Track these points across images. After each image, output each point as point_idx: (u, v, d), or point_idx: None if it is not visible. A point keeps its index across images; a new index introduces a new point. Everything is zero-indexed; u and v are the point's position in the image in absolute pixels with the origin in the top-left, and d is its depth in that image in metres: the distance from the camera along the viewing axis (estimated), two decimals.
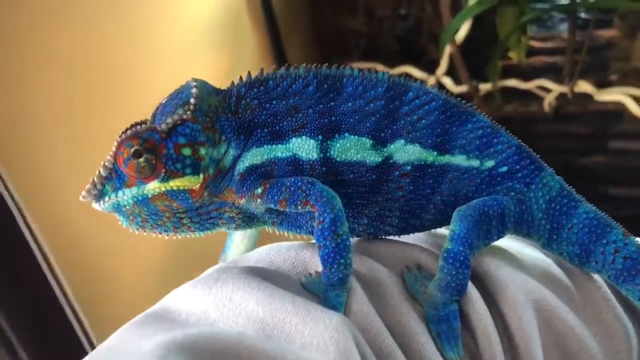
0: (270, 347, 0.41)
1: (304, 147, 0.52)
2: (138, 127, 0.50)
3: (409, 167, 0.53)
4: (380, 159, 0.53)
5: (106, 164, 0.50)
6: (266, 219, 0.54)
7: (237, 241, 0.63)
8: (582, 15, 1.94)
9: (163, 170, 0.50)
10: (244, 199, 0.52)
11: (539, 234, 0.56)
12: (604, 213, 0.56)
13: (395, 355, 0.47)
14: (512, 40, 1.73)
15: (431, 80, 1.72)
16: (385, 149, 0.53)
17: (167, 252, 1.24)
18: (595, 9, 1.72)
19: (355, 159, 0.52)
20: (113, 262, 1.11)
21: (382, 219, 0.55)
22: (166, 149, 0.49)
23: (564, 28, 2.20)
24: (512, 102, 1.82)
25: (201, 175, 0.50)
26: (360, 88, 0.53)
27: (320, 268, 0.49)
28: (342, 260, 0.48)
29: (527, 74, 1.82)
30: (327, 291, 0.48)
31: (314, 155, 0.52)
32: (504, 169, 0.55)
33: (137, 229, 0.54)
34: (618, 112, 1.66)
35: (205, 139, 0.50)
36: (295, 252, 0.53)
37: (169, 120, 0.50)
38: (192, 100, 0.50)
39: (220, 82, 0.53)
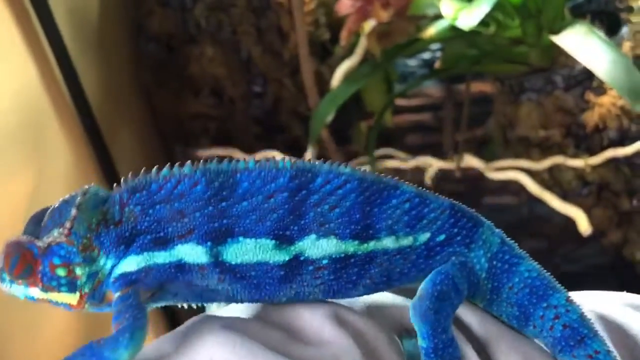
0: None
1: (191, 254, 0.48)
2: (22, 237, 0.49)
3: (325, 261, 0.49)
4: (287, 257, 0.48)
5: None
6: (169, 298, 0.51)
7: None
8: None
9: (40, 284, 0.49)
10: None
11: (482, 295, 0.53)
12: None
13: None
14: (380, 108, 1.53)
15: None
16: (292, 247, 0.48)
17: None
18: (469, 72, 1.55)
19: (253, 260, 0.48)
20: None
21: (303, 297, 0.51)
22: (42, 265, 0.48)
23: (427, 84, 2.10)
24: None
25: (77, 293, 0.49)
26: (258, 182, 0.48)
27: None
28: None
29: (394, 137, 1.65)
30: None
31: (203, 259, 0.48)
32: (442, 237, 0.51)
33: None
34: None
35: (82, 259, 0.48)
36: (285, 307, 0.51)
37: (45, 239, 0.48)
38: (67, 224, 0.48)
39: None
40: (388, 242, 0.50)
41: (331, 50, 1.49)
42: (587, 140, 1.41)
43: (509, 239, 0.54)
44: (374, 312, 0.53)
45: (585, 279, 1.74)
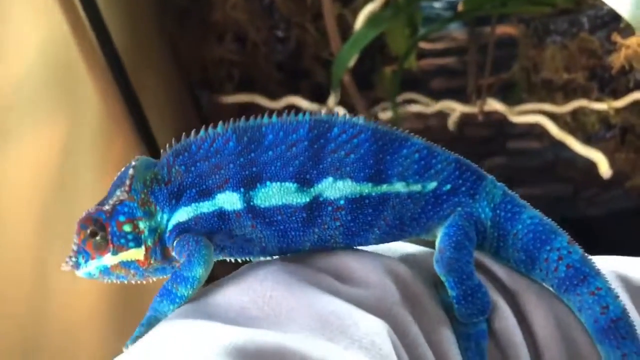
0: (314, 347, 0.43)
1: (228, 200, 0.54)
2: (90, 209, 0.55)
3: (342, 202, 0.54)
4: (308, 199, 0.54)
5: (74, 241, 0.56)
6: (217, 253, 0.56)
7: None
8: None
9: (112, 246, 0.55)
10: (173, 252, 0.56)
11: (490, 243, 0.57)
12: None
13: None
14: (404, 51, 1.52)
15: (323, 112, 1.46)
16: (312, 189, 0.54)
17: None
18: (495, 14, 1.52)
19: (279, 203, 0.54)
20: None
21: (325, 243, 0.55)
22: (110, 226, 0.55)
23: (453, 27, 2.06)
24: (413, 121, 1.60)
25: (143, 247, 0.55)
26: (281, 134, 0.54)
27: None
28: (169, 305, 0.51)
29: (419, 81, 1.62)
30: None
31: (238, 205, 0.54)
32: (448, 187, 0.56)
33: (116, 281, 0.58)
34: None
35: (142, 214, 0.55)
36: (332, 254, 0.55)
37: (110, 201, 0.55)
38: (127, 182, 0.55)
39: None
40: (399, 187, 0.54)
41: None
42: (612, 83, 1.40)
43: (510, 191, 0.58)
44: (413, 264, 0.57)
45: (609, 223, 1.74)
